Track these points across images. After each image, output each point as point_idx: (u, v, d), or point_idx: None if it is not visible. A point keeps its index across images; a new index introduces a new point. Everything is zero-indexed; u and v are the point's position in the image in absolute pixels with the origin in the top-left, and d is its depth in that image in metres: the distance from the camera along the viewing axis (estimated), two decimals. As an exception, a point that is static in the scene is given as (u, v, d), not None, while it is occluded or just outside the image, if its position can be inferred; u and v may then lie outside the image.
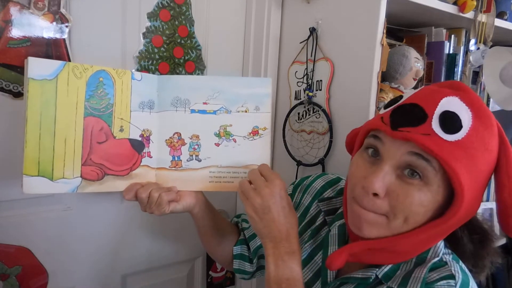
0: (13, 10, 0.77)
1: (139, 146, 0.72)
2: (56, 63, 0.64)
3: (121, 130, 0.70)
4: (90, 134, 0.67)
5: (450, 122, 0.50)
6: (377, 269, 0.57)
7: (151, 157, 0.74)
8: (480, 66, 1.18)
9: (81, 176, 0.67)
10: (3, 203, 0.83)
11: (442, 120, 0.50)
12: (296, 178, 1.05)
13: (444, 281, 0.51)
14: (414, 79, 1.00)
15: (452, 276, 0.52)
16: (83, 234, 0.93)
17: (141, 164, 0.73)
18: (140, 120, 0.72)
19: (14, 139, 0.81)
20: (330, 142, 0.96)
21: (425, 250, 0.57)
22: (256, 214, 0.62)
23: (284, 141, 1.08)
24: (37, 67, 0.62)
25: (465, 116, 0.51)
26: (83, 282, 0.96)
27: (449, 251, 0.58)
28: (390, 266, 0.57)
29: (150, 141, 0.74)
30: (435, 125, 0.50)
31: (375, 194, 0.52)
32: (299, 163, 1.05)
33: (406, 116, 0.52)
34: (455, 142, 0.50)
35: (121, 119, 0.70)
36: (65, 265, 0.92)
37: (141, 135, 0.72)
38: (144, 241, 1.04)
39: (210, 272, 1.17)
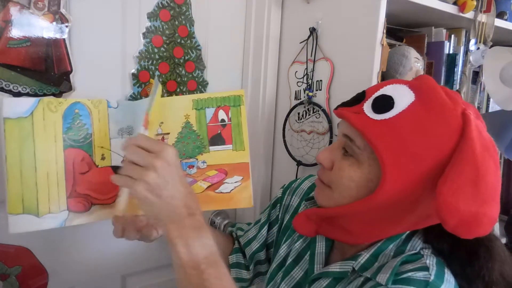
0: (13, 10, 0.77)
1: None
2: (30, 100, 0.64)
3: (103, 158, 0.69)
4: (72, 166, 0.66)
5: (380, 102, 0.53)
6: (354, 262, 0.57)
7: None
8: (480, 66, 1.18)
9: (67, 209, 0.66)
10: (3, 203, 0.83)
11: (374, 101, 0.54)
12: (296, 178, 1.05)
13: (418, 272, 0.51)
14: (414, 79, 1.00)
15: (425, 268, 0.52)
16: (83, 234, 0.93)
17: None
18: (121, 147, 0.70)
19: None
20: (330, 142, 0.96)
21: (402, 244, 0.57)
22: (151, 194, 0.51)
23: (284, 141, 1.08)
24: (12, 106, 0.62)
25: (404, 99, 0.52)
26: (83, 282, 0.96)
27: (429, 246, 0.58)
28: (367, 258, 0.57)
29: None
30: (366, 105, 0.55)
31: (326, 167, 0.59)
32: (299, 163, 1.05)
33: (351, 99, 0.59)
34: (382, 120, 0.52)
35: (102, 147, 0.69)
36: (65, 265, 0.92)
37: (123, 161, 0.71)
38: (144, 241, 1.04)
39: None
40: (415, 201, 0.52)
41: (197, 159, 0.74)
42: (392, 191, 0.51)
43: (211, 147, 0.74)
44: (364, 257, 0.57)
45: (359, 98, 0.57)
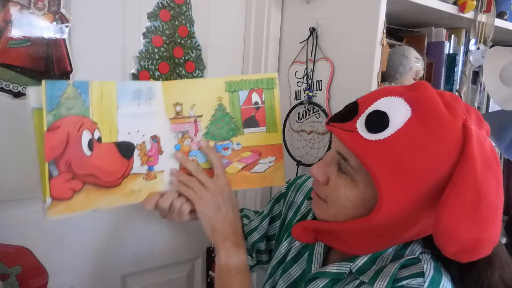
0: (13, 10, 0.77)
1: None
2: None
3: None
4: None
5: (374, 121, 0.50)
6: (351, 264, 0.57)
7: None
8: (480, 66, 1.18)
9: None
10: (3, 203, 0.83)
11: (368, 118, 0.51)
12: (302, 175, 1.05)
13: (413, 279, 0.50)
14: (414, 79, 1.00)
15: (421, 274, 0.50)
16: (83, 234, 0.93)
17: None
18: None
19: (14, 139, 0.81)
20: (330, 142, 0.96)
21: (401, 249, 0.57)
22: (209, 211, 0.68)
23: (284, 141, 1.08)
24: (39, 95, 0.60)
25: (399, 116, 0.49)
26: (83, 282, 0.96)
27: (429, 250, 0.57)
28: (364, 260, 0.57)
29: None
30: (360, 123, 0.51)
31: (321, 182, 0.58)
32: (299, 163, 1.05)
33: (342, 112, 0.55)
34: (376, 141, 0.49)
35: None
36: (65, 265, 0.92)
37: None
38: (144, 241, 1.04)
39: (210, 272, 1.17)
40: (414, 220, 0.51)
41: (231, 141, 0.76)
42: (389, 213, 0.49)
43: (245, 130, 0.76)
44: (362, 259, 0.57)
45: (352, 112, 0.53)
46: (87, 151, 0.63)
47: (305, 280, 0.63)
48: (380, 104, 0.51)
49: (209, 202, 0.68)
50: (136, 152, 0.69)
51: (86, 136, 0.63)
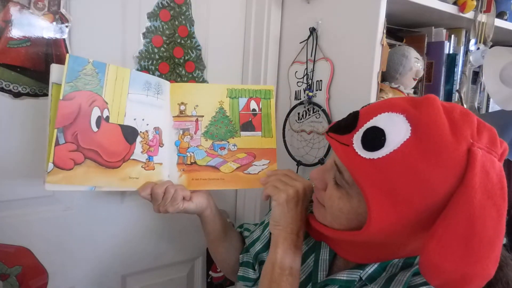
0: (13, 10, 0.77)
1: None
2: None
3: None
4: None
5: (370, 138, 0.48)
6: (361, 271, 0.57)
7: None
8: (480, 66, 1.18)
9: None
10: (3, 203, 0.83)
11: (365, 135, 0.49)
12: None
13: (427, 286, 0.50)
14: (414, 79, 1.00)
15: None
16: (83, 234, 0.93)
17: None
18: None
19: (14, 139, 0.81)
20: (330, 142, 0.96)
21: (412, 257, 0.56)
22: (287, 204, 0.64)
23: (284, 141, 1.08)
24: (60, 72, 0.66)
25: (397, 136, 0.47)
26: (83, 282, 0.96)
27: None
28: (374, 268, 0.57)
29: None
30: (356, 138, 0.50)
31: (319, 187, 0.59)
32: (299, 163, 1.05)
33: (342, 122, 0.54)
34: (370, 160, 0.47)
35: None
36: (65, 265, 0.92)
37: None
38: (144, 241, 1.04)
39: (210, 272, 1.17)
40: (405, 240, 0.51)
41: (228, 142, 0.81)
42: (378, 231, 0.49)
43: (242, 132, 0.82)
44: (372, 267, 0.57)
45: (350, 125, 0.52)
46: (94, 127, 0.68)
47: (318, 287, 0.63)
48: (380, 120, 0.49)
49: (290, 195, 0.64)
50: (138, 139, 0.74)
51: (95, 113, 0.68)
